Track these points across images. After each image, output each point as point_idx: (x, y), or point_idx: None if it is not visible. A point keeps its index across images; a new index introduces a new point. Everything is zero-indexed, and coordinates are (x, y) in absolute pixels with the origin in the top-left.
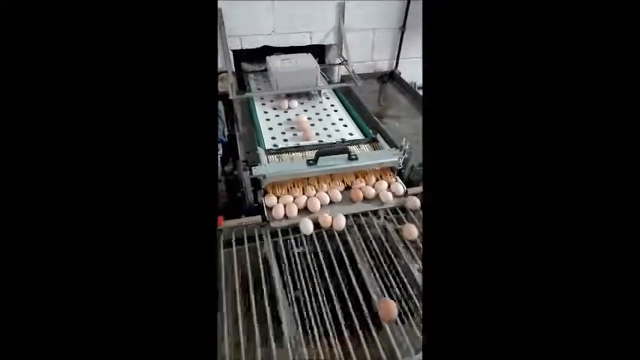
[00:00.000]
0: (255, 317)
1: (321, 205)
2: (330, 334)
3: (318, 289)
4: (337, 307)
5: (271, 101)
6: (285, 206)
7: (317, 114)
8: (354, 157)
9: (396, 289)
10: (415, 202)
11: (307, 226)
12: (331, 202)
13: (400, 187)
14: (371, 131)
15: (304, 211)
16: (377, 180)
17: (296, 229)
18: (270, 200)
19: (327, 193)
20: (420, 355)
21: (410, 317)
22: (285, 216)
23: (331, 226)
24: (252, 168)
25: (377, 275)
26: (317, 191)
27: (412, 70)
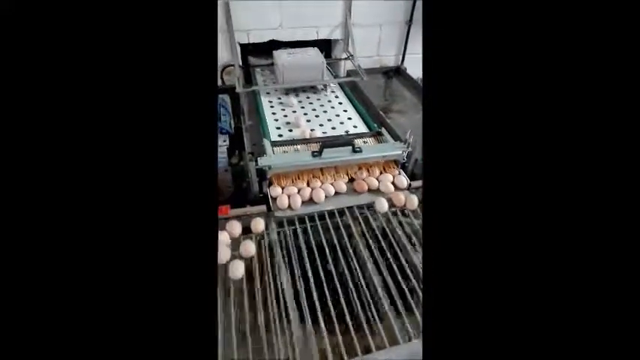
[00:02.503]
0: (260, 306)
1: (326, 197)
2: (334, 323)
3: (322, 279)
4: (341, 296)
5: (278, 97)
6: (289, 197)
7: (322, 106)
8: (358, 149)
9: (399, 280)
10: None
11: (383, 205)
12: (336, 193)
13: (404, 180)
14: (376, 125)
15: (309, 202)
16: (381, 173)
17: (302, 219)
18: (275, 191)
19: (332, 184)
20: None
21: (414, 308)
22: (290, 206)
23: (404, 204)
24: (258, 159)
25: (380, 266)
26: (322, 183)
27: (418, 66)
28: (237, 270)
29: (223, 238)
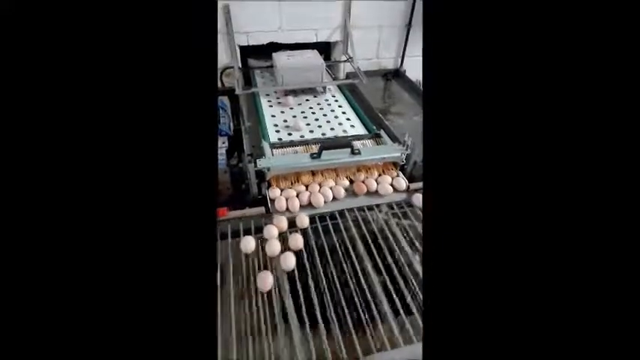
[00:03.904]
0: (257, 307)
1: (325, 202)
2: (334, 325)
3: (320, 281)
4: (341, 299)
5: (277, 98)
6: (287, 200)
7: (321, 109)
8: (357, 151)
9: (399, 282)
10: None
11: (420, 200)
12: (334, 198)
13: (402, 182)
14: (374, 127)
15: (308, 206)
16: (379, 175)
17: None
18: (274, 193)
19: (331, 189)
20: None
21: (414, 309)
22: (288, 209)
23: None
24: (257, 160)
25: (379, 267)
26: (321, 187)
27: (417, 68)
28: (289, 262)
29: (273, 232)
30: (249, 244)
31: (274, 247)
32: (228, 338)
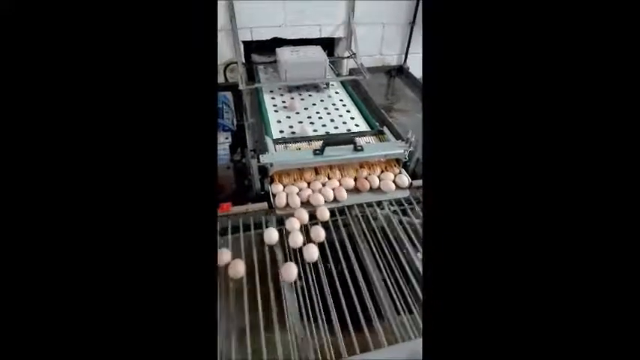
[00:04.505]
0: (259, 303)
1: (325, 202)
2: (333, 322)
3: (321, 278)
4: (340, 296)
5: (283, 102)
6: (287, 195)
7: (324, 106)
8: (359, 147)
9: (399, 279)
10: None
11: None
12: (335, 199)
13: (405, 179)
14: (377, 124)
15: (307, 204)
16: (382, 171)
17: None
18: (277, 188)
19: (333, 190)
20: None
21: (414, 307)
22: (288, 205)
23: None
24: (260, 156)
25: (380, 265)
26: (323, 185)
27: (421, 65)
28: (312, 253)
29: (295, 225)
30: (272, 235)
31: (297, 238)
32: (251, 330)
